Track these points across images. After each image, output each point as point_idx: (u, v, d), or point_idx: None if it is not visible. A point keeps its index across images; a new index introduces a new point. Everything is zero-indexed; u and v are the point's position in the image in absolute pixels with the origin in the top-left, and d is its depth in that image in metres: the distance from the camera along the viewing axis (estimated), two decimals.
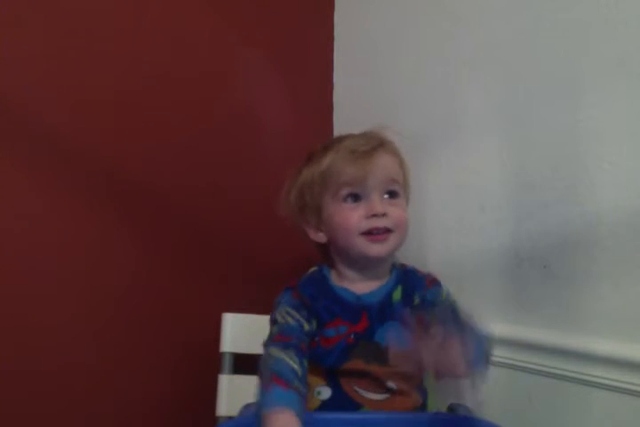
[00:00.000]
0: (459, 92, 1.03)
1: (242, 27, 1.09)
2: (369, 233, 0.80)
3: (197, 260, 1.02)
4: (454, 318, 0.70)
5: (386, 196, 0.81)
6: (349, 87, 1.24)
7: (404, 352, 0.69)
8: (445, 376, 0.69)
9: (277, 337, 0.76)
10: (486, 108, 0.98)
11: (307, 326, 0.80)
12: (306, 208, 0.84)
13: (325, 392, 0.79)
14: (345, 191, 0.81)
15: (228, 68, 1.08)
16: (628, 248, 0.81)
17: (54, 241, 0.88)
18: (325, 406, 0.78)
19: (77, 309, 0.90)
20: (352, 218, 0.80)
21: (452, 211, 1.02)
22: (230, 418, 0.85)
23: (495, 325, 0.95)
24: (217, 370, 0.91)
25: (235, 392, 0.90)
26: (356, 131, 0.88)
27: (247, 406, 0.81)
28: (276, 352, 0.72)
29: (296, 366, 0.71)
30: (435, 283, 0.85)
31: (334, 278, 0.85)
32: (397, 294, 0.84)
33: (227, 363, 0.91)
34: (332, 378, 0.79)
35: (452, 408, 0.81)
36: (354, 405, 0.77)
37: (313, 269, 0.88)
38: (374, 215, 0.79)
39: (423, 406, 0.82)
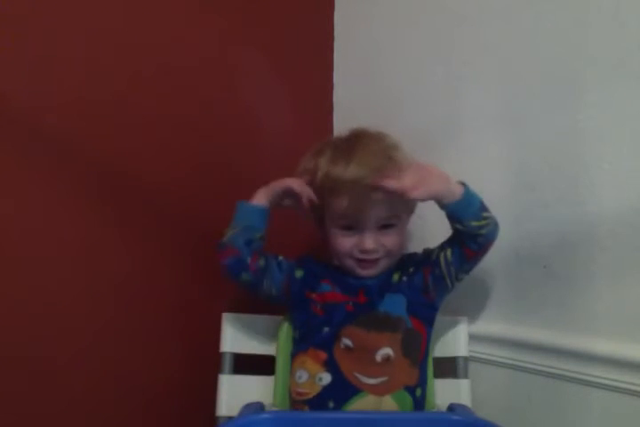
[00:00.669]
0: (459, 93, 1.03)
1: (242, 27, 1.09)
2: (360, 260, 0.85)
3: (198, 260, 1.02)
4: None
5: (381, 226, 0.84)
6: (349, 87, 1.24)
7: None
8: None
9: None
10: (486, 108, 0.98)
11: (282, 261, 0.89)
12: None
13: (326, 378, 0.80)
14: (341, 221, 0.84)
15: (228, 69, 1.08)
16: (628, 248, 0.81)
17: (54, 241, 0.88)
18: (326, 390, 0.80)
19: (77, 309, 0.90)
20: (345, 244, 0.85)
21: None
22: (230, 418, 0.85)
23: (495, 325, 0.96)
24: (217, 370, 0.91)
25: (235, 392, 0.90)
26: None
27: (247, 406, 0.82)
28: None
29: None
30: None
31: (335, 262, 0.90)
32: (396, 277, 0.88)
33: (227, 363, 0.91)
34: (331, 364, 0.81)
35: (452, 408, 0.81)
36: (353, 389, 0.79)
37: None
38: (364, 251, 0.83)
39: (421, 400, 0.83)
